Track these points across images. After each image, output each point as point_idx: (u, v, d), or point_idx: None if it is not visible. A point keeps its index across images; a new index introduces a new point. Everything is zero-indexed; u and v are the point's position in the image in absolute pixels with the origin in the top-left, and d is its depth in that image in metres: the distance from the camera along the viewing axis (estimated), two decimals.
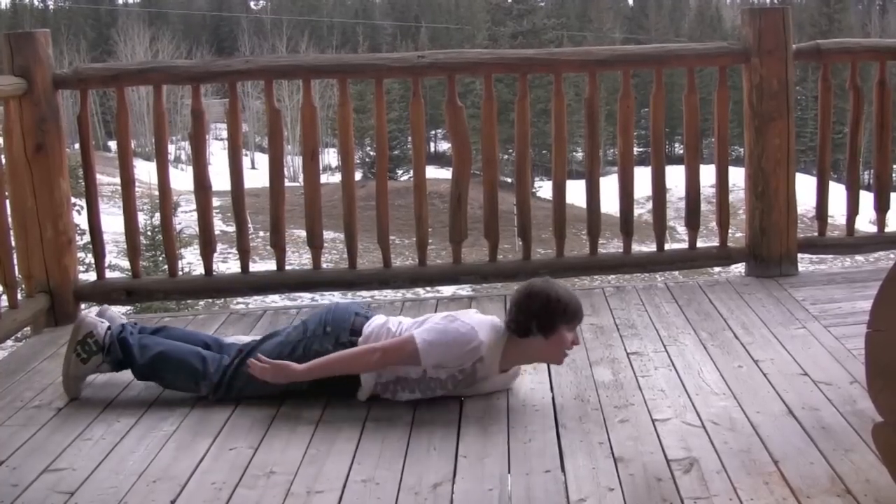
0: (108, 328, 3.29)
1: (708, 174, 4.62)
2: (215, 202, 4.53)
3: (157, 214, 11.24)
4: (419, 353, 2.99)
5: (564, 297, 3.06)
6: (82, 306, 4.39)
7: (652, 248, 4.81)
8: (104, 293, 4.42)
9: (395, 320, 3.23)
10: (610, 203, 4.55)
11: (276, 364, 3.06)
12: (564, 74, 4.53)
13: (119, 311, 3.52)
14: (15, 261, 4.03)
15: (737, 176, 4.59)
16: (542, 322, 3.05)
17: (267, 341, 3.25)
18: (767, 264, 4.52)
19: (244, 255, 4.49)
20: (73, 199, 4.44)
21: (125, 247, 4.46)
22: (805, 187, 4.87)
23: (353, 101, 4.64)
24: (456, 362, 3.02)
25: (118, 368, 3.31)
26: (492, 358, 3.07)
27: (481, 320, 3.11)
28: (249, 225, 4.79)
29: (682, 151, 4.79)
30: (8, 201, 3.95)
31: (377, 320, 3.22)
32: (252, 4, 76.25)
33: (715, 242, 4.73)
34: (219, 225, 5.85)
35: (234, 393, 3.17)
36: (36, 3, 68.79)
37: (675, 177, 5.05)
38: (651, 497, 2.46)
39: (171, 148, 36.79)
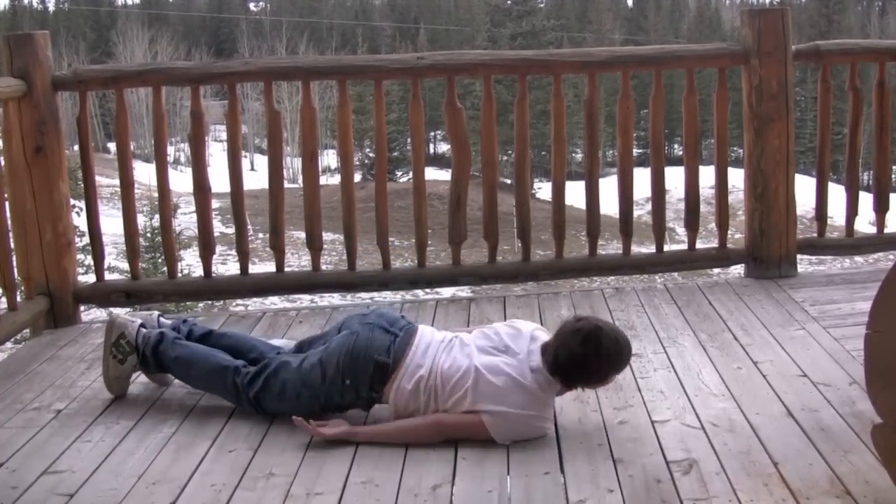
0: (141, 325, 3.26)
1: (707, 175, 4.62)
2: (215, 204, 4.53)
3: (157, 216, 11.27)
4: (492, 436, 2.82)
5: (608, 362, 2.85)
6: (82, 308, 4.39)
7: (651, 249, 4.81)
8: (103, 295, 4.42)
9: (426, 367, 2.92)
10: (609, 204, 4.55)
11: (341, 430, 2.88)
12: (564, 76, 4.53)
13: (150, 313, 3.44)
14: (14, 263, 4.03)
15: (736, 177, 4.60)
16: (568, 371, 2.87)
17: (284, 369, 3.05)
18: (767, 265, 4.52)
19: (243, 257, 4.48)
20: (72, 201, 4.43)
21: (124, 248, 4.47)
22: (804, 188, 4.87)
23: (353, 103, 4.64)
24: (524, 436, 2.86)
25: (159, 371, 3.30)
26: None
27: (545, 395, 2.88)
28: (249, 227, 4.79)
29: (681, 152, 4.78)
30: (7, 203, 3.95)
31: (407, 372, 2.93)
32: (251, 6, 76.30)
33: (714, 244, 4.72)
34: (218, 227, 5.86)
35: (269, 412, 3.06)
36: (35, 4, 68.89)
37: (675, 178, 5.05)
38: (650, 498, 2.46)
39: (171, 149, 36.75)
